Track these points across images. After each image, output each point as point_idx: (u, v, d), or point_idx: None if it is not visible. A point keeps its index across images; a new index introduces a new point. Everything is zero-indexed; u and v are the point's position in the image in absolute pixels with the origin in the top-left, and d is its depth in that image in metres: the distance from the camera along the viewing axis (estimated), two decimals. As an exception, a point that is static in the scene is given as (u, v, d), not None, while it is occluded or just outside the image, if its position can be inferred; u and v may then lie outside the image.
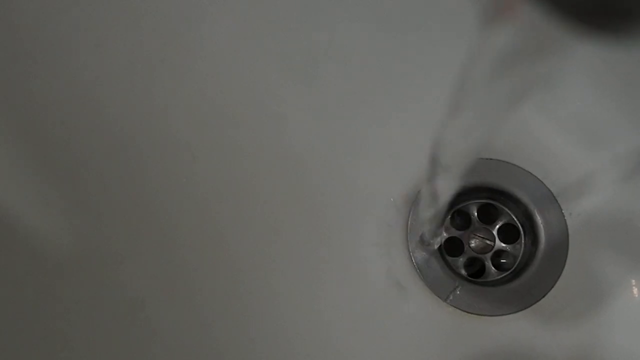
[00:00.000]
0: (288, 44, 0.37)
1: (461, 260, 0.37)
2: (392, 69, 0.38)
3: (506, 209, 0.38)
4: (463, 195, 0.37)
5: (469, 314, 0.35)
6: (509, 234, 0.38)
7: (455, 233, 0.38)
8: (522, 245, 0.37)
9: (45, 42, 0.34)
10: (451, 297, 0.34)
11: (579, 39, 0.10)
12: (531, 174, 0.37)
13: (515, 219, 0.38)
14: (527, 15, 0.10)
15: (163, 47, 0.36)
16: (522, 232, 0.37)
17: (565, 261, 0.35)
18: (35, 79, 0.34)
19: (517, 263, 0.37)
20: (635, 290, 0.35)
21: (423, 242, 0.35)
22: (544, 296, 0.35)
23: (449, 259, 0.37)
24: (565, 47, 0.11)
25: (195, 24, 0.36)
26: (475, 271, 0.37)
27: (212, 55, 0.37)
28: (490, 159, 0.37)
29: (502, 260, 0.38)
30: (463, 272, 0.37)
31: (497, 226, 0.38)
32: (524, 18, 0.10)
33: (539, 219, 0.36)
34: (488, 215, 0.38)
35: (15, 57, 0.34)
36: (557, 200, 0.36)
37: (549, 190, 0.36)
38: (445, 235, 0.37)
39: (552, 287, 0.35)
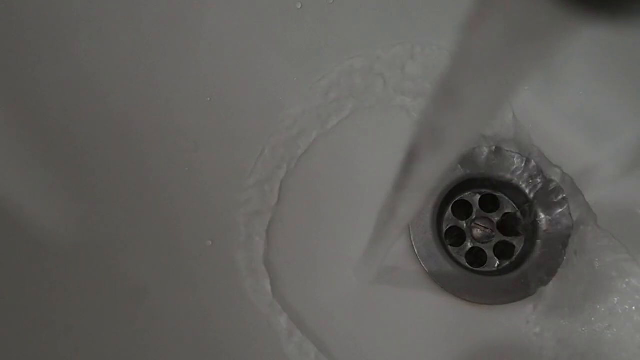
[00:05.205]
0: (289, 33, 0.37)
1: (462, 249, 0.37)
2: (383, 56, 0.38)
3: (508, 199, 0.38)
4: (465, 184, 0.37)
5: (470, 303, 0.35)
6: (510, 223, 0.38)
7: (457, 223, 0.38)
8: (523, 235, 0.37)
9: (48, 30, 0.34)
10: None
11: (579, 24, 0.10)
12: (533, 163, 0.37)
13: (516, 209, 0.38)
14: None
15: (165, 36, 0.36)
16: (523, 222, 0.37)
17: (566, 250, 0.35)
18: (37, 67, 0.34)
19: (518, 252, 0.37)
20: (636, 279, 0.35)
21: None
22: (544, 285, 0.35)
23: (451, 248, 0.37)
24: (565, 33, 0.11)
25: (197, 13, 0.36)
26: (477, 260, 0.37)
27: (214, 44, 0.37)
28: (492, 148, 0.37)
29: (503, 250, 0.38)
30: (464, 261, 0.37)
31: (499, 216, 0.38)
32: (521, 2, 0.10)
33: (540, 209, 0.36)
34: (490, 205, 0.38)
35: (18, 45, 0.34)
36: (559, 190, 0.36)
37: (551, 179, 0.36)
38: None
39: (553, 276, 0.35)
